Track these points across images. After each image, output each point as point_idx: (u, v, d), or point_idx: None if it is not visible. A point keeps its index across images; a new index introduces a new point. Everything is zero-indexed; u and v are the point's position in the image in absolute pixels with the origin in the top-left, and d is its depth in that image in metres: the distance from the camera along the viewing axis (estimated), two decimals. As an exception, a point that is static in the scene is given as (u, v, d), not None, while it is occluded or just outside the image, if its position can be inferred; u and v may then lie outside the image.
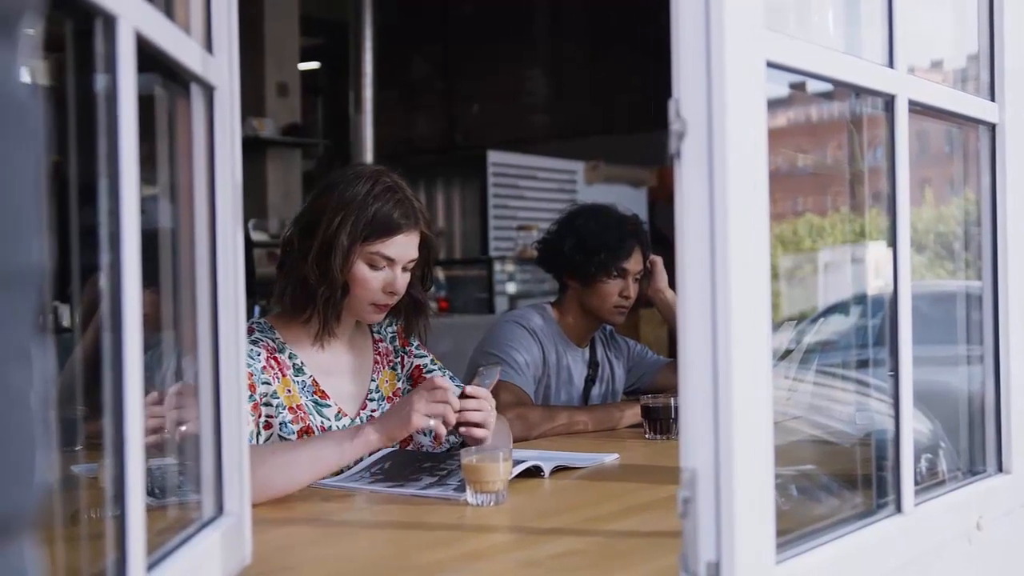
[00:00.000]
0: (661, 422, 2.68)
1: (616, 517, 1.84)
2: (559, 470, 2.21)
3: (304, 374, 2.25)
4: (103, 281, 1.01)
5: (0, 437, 0.55)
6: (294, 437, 2.17)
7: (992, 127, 1.85)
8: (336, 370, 2.32)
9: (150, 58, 1.12)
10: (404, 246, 2.25)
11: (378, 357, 2.41)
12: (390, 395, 2.39)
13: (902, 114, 1.56)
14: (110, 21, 1.01)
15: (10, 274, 0.55)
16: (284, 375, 2.22)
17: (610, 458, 2.38)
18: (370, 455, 2.17)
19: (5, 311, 0.55)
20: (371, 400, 2.35)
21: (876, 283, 2.01)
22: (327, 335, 2.28)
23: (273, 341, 2.24)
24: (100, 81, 1.02)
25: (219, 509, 1.38)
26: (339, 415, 2.27)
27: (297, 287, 2.23)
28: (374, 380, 2.38)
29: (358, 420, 2.29)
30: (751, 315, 1.21)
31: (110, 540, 1.03)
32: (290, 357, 2.25)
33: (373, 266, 2.23)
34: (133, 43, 1.03)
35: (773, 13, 1.29)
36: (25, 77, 0.60)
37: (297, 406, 2.20)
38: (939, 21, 2.07)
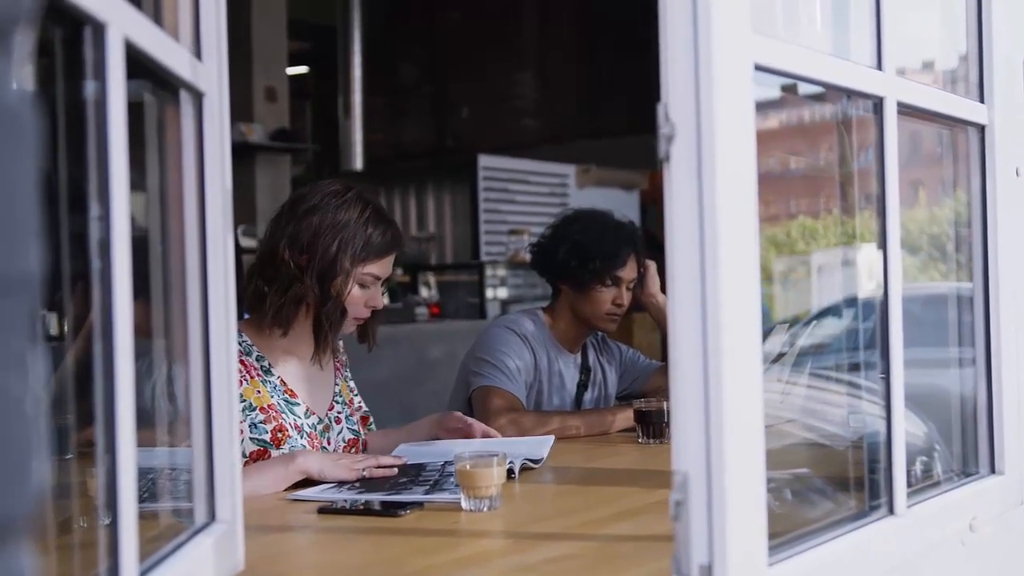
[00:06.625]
0: (654, 426, 2.67)
1: (610, 521, 1.83)
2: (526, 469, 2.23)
3: (273, 375, 2.33)
4: (94, 288, 1.01)
5: (-1, 443, 0.55)
6: (267, 436, 2.25)
7: (981, 128, 1.86)
8: (303, 375, 2.40)
9: (138, 64, 1.12)
10: (390, 265, 2.38)
11: (338, 365, 2.52)
12: (348, 400, 2.51)
13: (891, 116, 1.56)
14: (99, 28, 1.00)
15: (7, 281, 0.55)
16: (252, 377, 2.29)
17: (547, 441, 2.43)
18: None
19: (2, 318, 0.55)
20: (336, 402, 2.46)
21: (868, 285, 2.01)
22: (321, 351, 2.36)
23: (240, 344, 2.29)
24: (89, 88, 1.02)
25: (211, 516, 1.38)
26: (308, 413, 2.36)
27: (290, 305, 2.29)
28: (337, 384, 2.49)
29: (326, 419, 2.40)
30: (741, 317, 1.21)
31: (101, 548, 1.03)
32: (257, 359, 2.33)
33: (363, 285, 2.33)
34: (122, 50, 1.03)
35: (760, 16, 1.29)
36: (19, 85, 0.60)
37: (268, 406, 2.28)
38: (927, 21, 2.07)
